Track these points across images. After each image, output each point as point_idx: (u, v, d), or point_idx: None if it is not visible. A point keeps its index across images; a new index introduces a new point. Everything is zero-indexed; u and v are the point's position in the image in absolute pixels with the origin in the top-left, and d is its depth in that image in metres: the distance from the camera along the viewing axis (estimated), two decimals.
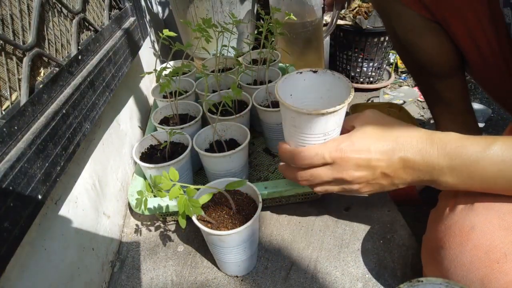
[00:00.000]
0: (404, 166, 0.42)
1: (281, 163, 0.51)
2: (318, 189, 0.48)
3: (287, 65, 0.99)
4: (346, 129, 0.47)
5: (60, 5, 0.51)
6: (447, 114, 0.73)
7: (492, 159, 0.38)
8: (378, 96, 1.29)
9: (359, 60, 1.23)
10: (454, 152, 0.39)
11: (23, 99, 0.39)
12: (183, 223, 0.44)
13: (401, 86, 1.38)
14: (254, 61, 0.92)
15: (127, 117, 0.78)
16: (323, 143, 0.44)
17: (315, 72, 0.48)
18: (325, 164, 0.44)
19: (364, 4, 1.20)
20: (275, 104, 0.73)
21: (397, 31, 0.66)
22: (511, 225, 0.37)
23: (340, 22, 1.15)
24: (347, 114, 0.46)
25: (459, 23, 0.57)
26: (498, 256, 0.36)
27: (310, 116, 0.42)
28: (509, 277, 0.34)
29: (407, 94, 1.29)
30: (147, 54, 1.05)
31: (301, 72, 0.48)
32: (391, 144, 0.42)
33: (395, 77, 1.43)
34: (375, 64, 1.25)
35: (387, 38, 1.14)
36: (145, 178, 0.64)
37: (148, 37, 1.07)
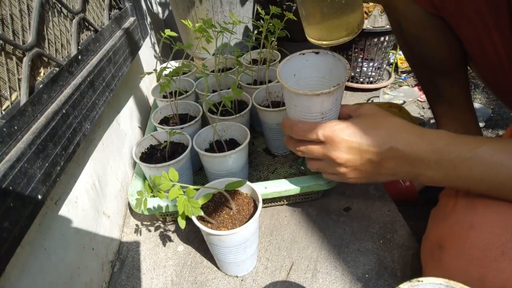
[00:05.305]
0: (393, 156, 0.43)
1: (286, 135, 0.54)
2: (311, 163, 0.52)
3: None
4: (342, 117, 0.50)
5: (60, 5, 0.51)
6: (448, 112, 0.72)
7: (479, 160, 0.39)
8: (378, 96, 1.28)
9: (359, 60, 1.23)
10: (443, 149, 0.40)
11: (23, 99, 0.38)
12: (182, 223, 0.44)
13: (401, 86, 1.38)
14: (254, 61, 0.92)
15: (127, 117, 0.78)
16: (320, 123, 0.47)
17: (317, 53, 0.51)
18: (319, 142, 0.47)
19: (364, 4, 1.19)
20: (275, 104, 0.73)
21: (402, 25, 0.66)
22: (509, 223, 0.37)
23: None
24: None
25: (465, 25, 0.57)
26: (495, 254, 0.36)
27: (307, 97, 0.45)
28: (506, 275, 0.34)
29: (407, 94, 1.29)
30: (147, 54, 1.05)
31: (303, 53, 0.51)
32: (382, 133, 0.44)
33: (395, 77, 1.43)
34: (375, 64, 1.25)
35: (387, 38, 1.14)
36: (145, 178, 0.64)
37: (148, 37, 1.07)
